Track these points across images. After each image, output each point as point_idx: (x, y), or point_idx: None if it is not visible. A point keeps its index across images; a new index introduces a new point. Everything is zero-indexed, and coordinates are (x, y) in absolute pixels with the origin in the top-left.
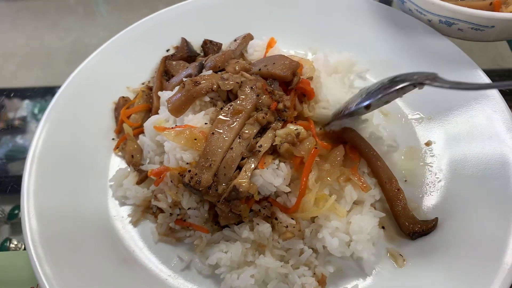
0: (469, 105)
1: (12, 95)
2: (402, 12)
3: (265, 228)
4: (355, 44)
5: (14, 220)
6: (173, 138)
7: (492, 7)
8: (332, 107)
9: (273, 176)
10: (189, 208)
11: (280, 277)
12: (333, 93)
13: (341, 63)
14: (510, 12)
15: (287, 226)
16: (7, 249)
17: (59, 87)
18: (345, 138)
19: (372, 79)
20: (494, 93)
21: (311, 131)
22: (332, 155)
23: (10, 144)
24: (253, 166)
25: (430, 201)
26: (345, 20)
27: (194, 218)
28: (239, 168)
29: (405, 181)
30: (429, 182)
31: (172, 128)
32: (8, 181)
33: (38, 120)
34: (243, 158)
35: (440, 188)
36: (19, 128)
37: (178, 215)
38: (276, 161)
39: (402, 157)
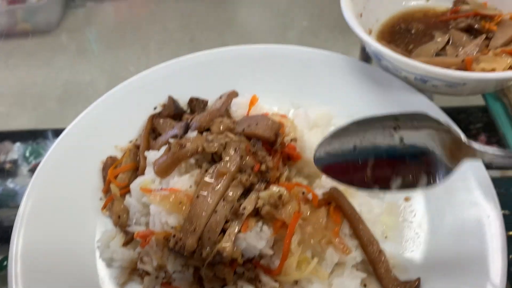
0: None
1: (3, 138)
2: (380, 69)
3: None
4: (335, 99)
5: (2, 272)
6: (158, 202)
7: (464, 64)
8: None
9: (256, 239)
10: (174, 272)
11: None
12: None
13: (320, 117)
14: (481, 69)
15: None
16: None
17: (51, 129)
18: (330, 198)
19: None
20: None
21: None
22: (314, 217)
23: (1, 188)
24: (236, 229)
25: (411, 258)
26: (326, 76)
27: (179, 281)
28: (223, 231)
29: (386, 237)
30: (409, 238)
31: (158, 190)
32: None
33: (29, 163)
34: (227, 221)
35: (420, 245)
36: (10, 171)
37: (164, 278)
38: (259, 223)
39: (382, 213)
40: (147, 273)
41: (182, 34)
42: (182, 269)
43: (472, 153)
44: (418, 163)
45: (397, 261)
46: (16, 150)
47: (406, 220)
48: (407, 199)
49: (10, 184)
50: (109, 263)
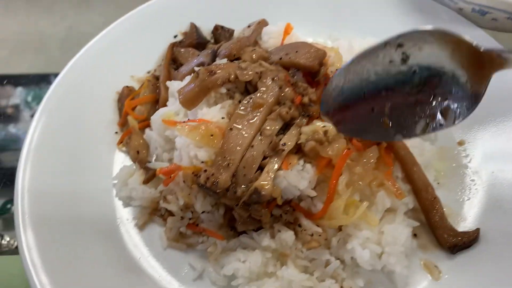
0: (509, 98)
1: (4, 82)
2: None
3: (288, 236)
4: (378, 32)
5: (6, 215)
6: (187, 133)
7: None
8: None
9: (297, 178)
10: (202, 212)
11: None
12: None
13: None
14: None
15: (312, 234)
16: None
17: (53, 74)
18: None
19: None
20: None
21: None
22: (364, 156)
23: (3, 133)
24: (276, 166)
25: (465, 206)
26: (367, 6)
27: (208, 222)
28: (260, 168)
29: (438, 183)
30: (464, 185)
31: (184, 122)
32: (0, 173)
33: (31, 108)
34: (264, 158)
35: (477, 192)
36: (12, 116)
37: (190, 219)
38: (301, 162)
39: (434, 157)
40: (171, 214)
41: None
42: (211, 209)
43: (501, 62)
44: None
45: (451, 210)
46: (18, 95)
47: (461, 166)
48: (461, 143)
49: (12, 129)
50: (127, 202)
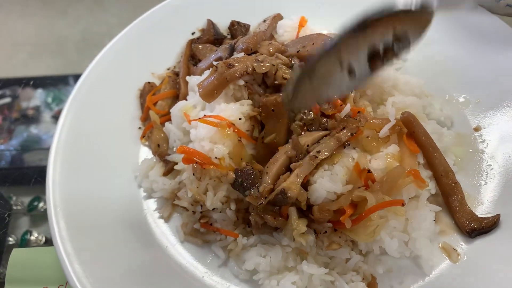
0: None
1: (24, 84)
2: None
3: (308, 237)
4: None
5: (33, 212)
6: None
7: None
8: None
9: (331, 184)
10: (213, 209)
11: (325, 284)
12: None
13: None
14: None
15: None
16: (27, 241)
17: (71, 75)
18: (404, 123)
19: (410, 57)
20: None
21: None
22: None
23: (25, 134)
24: (306, 172)
25: (483, 191)
26: None
27: (221, 222)
28: (289, 169)
29: (456, 168)
30: (481, 170)
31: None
32: (25, 172)
33: (51, 109)
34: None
35: (494, 177)
36: (33, 118)
37: (201, 212)
38: (326, 166)
39: (451, 143)
40: (187, 209)
41: None
42: (222, 207)
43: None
44: None
45: (469, 195)
46: (38, 97)
47: (477, 151)
48: (477, 129)
49: (33, 130)
50: (149, 193)
